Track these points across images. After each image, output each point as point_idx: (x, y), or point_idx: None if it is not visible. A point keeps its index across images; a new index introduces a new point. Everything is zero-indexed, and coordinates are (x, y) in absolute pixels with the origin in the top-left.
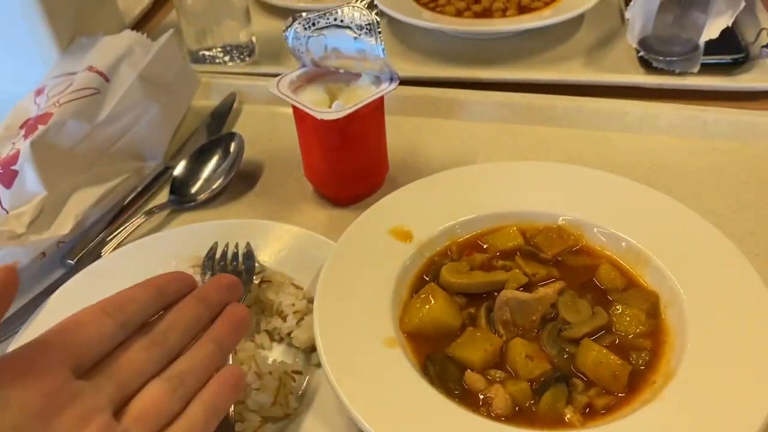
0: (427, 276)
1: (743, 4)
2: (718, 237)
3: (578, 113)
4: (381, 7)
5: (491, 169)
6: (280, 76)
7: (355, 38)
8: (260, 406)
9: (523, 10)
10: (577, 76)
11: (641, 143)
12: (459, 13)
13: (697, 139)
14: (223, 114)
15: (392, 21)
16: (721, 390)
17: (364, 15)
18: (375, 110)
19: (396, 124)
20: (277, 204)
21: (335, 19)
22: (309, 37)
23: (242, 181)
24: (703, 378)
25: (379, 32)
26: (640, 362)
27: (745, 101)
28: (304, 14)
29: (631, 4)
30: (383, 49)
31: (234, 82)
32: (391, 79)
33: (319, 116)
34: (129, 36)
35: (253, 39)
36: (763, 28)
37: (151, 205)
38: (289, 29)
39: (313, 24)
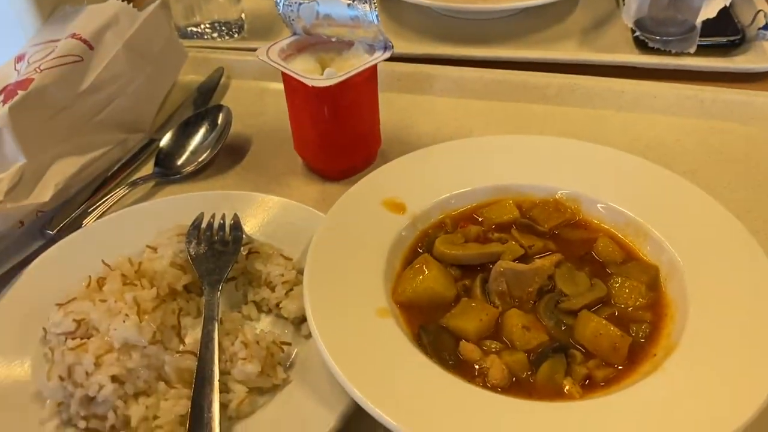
0: (420, 248)
1: None
2: (717, 209)
3: (573, 91)
4: None
5: (487, 143)
6: (269, 44)
7: (348, 5)
8: (247, 376)
9: None
10: (573, 56)
11: (637, 122)
12: None
13: (693, 119)
14: (210, 88)
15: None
16: (725, 362)
17: None
18: (368, 80)
19: (389, 101)
20: (266, 178)
21: None
22: (300, 3)
23: (230, 155)
24: (705, 350)
25: None
26: (640, 335)
27: (741, 82)
28: None
29: None
30: (377, 16)
31: (222, 57)
32: (385, 48)
33: (310, 83)
34: (114, 5)
35: (243, 15)
36: (759, 10)
37: (135, 177)
38: None
39: None
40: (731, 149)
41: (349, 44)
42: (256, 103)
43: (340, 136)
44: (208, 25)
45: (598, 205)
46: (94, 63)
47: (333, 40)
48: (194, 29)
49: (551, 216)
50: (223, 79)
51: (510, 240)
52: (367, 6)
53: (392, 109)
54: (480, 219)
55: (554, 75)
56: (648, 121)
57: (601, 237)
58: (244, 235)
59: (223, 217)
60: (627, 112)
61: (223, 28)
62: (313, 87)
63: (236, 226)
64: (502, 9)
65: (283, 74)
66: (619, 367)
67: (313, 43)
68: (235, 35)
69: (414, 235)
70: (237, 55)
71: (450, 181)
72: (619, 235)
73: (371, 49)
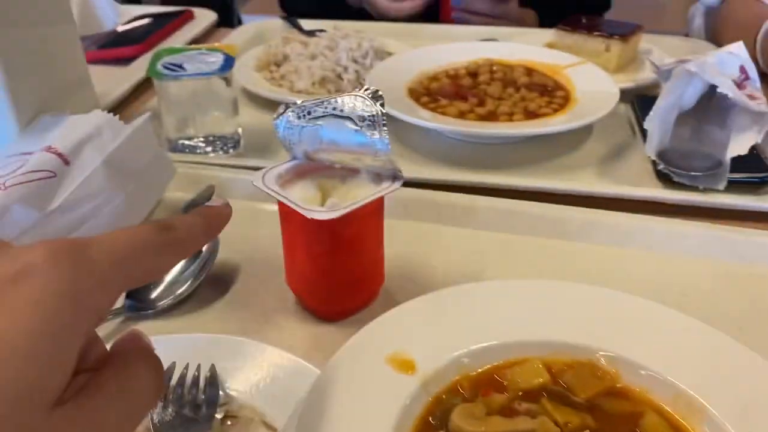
0: (433, 419)
1: None
2: None
3: (596, 227)
4: None
5: (509, 288)
6: (266, 168)
7: (356, 130)
8: None
9: (530, 115)
10: (594, 188)
11: (668, 264)
12: (461, 115)
13: (730, 263)
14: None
15: (389, 119)
16: None
17: (367, 105)
18: (374, 212)
19: (393, 229)
20: (252, 316)
21: (334, 109)
22: (303, 126)
23: (213, 286)
24: None
25: (384, 125)
26: None
27: None
28: (298, 102)
29: (650, 114)
30: (387, 144)
31: (214, 174)
32: (395, 178)
33: (309, 215)
34: (98, 116)
35: (239, 131)
36: None
37: None
38: (280, 117)
39: (309, 113)
40: None
41: (355, 172)
42: (248, 226)
43: (338, 274)
44: (201, 139)
45: (642, 371)
46: (67, 180)
47: (336, 166)
48: (186, 142)
49: (588, 383)
50: (214, 197)
51: (541, 413)
52: (376, 133)
53: (398, 239)
54: (504, 382)
55: (575, 208)
56: (680, 264)
57: (648, 412)
58: (221, 393)
59: (198, 369)
60: (657, 253)
61: (218, 142)
62: (311, 220)
63: (212, 381)
64: (513, 135)
65: (279, 202)
66: None
67: (315, 168)
68: (230, 151)
69: (425, 402)
70: (230, 173)
71: (466, 333)
72: (669, 410)
73: (378, 178)
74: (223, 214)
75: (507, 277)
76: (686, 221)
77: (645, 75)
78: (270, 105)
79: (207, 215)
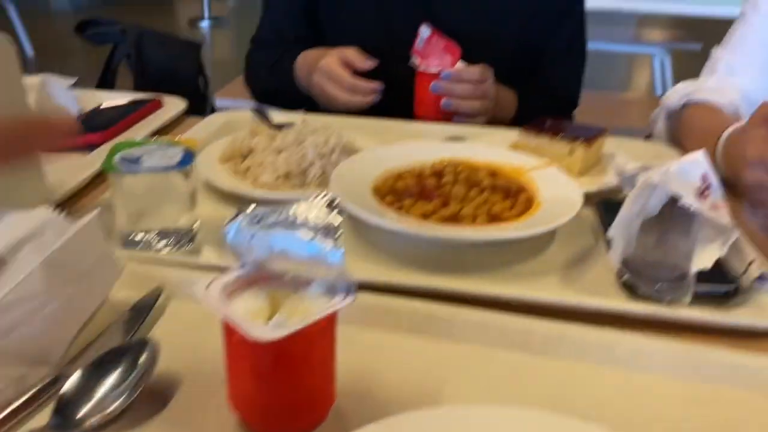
0: None
1: (737, 233)
2: None
3: (559, 341)
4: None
5: (468, 417)
6: (212, 279)
7: (309, 241)
8: None
9: (493, 218)
10: (557, 296)
11: (633, 383)
12: (425, 216)
13: (697, 384)
14: (144, 310)
15: (352, 217)
16: None
17: (321, 215)
18: (324, 329)
19: (348, 339)
20: None
21: (287, 217)
22: (253, 234)
23: (149, 401)
24: None
25: (339, 236)
26: None
27: (742, 339)
28: (249, 209)
29: (614, 223)
30: (342, 255)
31: (164, 273)
32: (348, 292)
33: (251, 336)
34: (41, 214)
35: (195, 225)
36: (752, 260)
37: (25, 428)
38: (231, 223)
39: (261, 219)
40: (747, 428)
41: (307, 282)
42: (196, 333)
43: (284, 396)
44: (155, 233)
45: None
46: (0, 282)
47: (287, 276)
48: (139, 237)
49: None
50: (162, 299)
51: None
52: (330, 243)
53: (351, 349)
54: None
55: (538, 322)
56: (646, 383)
57: None
58: None
59: None
60: (621, 371)
61: (172, 237)
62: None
63: None
64: (475, 240)
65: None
66: None
67: (265, 277)
68: (186, 245)
69: None
70: (181, 271)
71: None
72: None
73: (332, 290)
74: (56, 126)
75: (466, 395)
76: (650, 337)
77: (609, 179)
78: (231, 198)
79: (30, 122)
